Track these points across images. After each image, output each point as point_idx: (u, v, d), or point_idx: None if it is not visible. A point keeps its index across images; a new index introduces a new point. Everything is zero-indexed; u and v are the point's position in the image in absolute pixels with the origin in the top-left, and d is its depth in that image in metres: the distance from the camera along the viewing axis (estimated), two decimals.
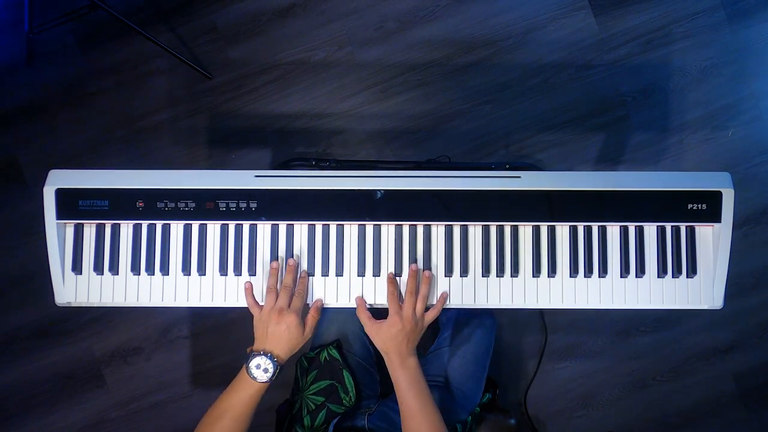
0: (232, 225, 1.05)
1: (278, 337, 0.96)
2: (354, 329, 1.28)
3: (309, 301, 1.05)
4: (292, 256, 1.04)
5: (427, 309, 1.03)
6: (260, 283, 1.05)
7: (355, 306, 1.04)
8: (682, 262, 1.05)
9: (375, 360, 1.27)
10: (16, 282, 1.77)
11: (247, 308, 1.04)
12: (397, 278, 1.05)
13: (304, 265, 1.05)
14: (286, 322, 0.96)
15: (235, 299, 1.05)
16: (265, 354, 0.95)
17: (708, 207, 1.03)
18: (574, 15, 1.80)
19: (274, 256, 1.05)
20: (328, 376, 1.16)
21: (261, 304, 1.02)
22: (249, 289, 1.02)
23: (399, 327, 0.97)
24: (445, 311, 1.37)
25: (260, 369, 0.94)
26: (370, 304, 1.05)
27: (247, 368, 0.94)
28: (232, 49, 1.80)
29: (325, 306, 1.05)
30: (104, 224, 1.04)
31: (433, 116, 1.80)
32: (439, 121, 1.80)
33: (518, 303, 1.05)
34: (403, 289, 1.03)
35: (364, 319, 1.01)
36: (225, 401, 0.95)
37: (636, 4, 1.80)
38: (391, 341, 0.98)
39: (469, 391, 1.20)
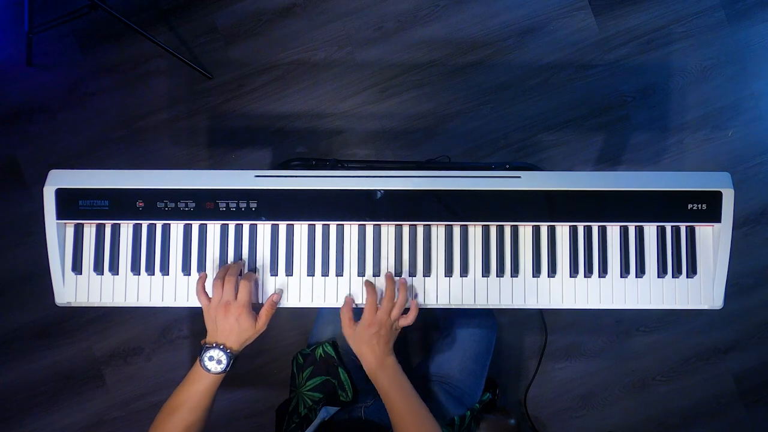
0: (232, 225, 1.05)
1: (228, 330, 0.96)
2: None
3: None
4: (292, 256, 1.04)
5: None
6: (259, 284, 1.05)
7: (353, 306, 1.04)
8: (682, 262, 1.05)
9: None
10: (16, 282, 1.77)
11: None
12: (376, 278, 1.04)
13: (305, 265, 1.05)
14: (234, 315, 0.95)
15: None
16: (218, 346, 0.95)
17: (708, 207, 1.03)
18: (574, 15, 1.80)
19: (274, 256, 1.05)
20: (324, 372, 1.17)
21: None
22: (202, 279, 1.00)
23: (374, 330, 0.98)
24: (446, 311, 1.37)
25: (213, 361, 0.93)
26: (356, 305, 1.04)
27: (201, 360, 0.94)
28: (232, 49, 1.80)
29: (324, 306, 1.05)
30: (104, 224, 1.04)
31: (433, 116, 1.80)
32: (439, 121, 1.80)
33: (518, 303, 1.05)
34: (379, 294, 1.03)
35: (346, 319, 1.01)
36: (181, 394, 0.94)
37: (636, 4, 1.80)
38: (366, 344, 0.98)
39: (469, 388, 1.20)
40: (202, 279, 1.00)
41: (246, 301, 0.96)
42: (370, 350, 0.98)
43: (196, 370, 0.95)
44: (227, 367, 0.94)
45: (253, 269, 1.05)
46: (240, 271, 1.01)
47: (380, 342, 0.98)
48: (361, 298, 1.05)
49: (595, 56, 1.80)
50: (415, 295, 1.05)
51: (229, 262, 1.04)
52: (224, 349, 0.94)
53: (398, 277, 1.04)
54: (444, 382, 1.19)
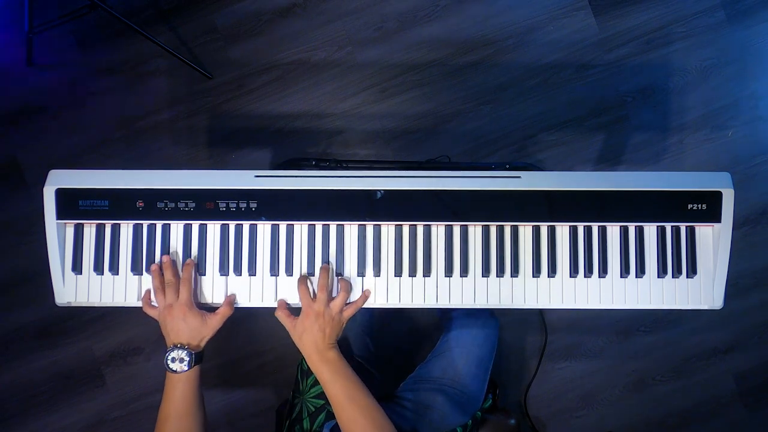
0: (232, 225, 1.05)
1: (180, 330, 0.98)
2: (355, 329, 1.28)
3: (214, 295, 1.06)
4: (292, 256, 1.04)
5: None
6: (259, 285, 1.05)
7: (364, 305, 1.04)
8: (682, 262, 1.05)
9: (376, 361, 1.27)
10: (16, 282, 1.77)
11: (248, 308, 1.04)
12: (311, 277, 1.05)
13: (305, 265, 1.05)
14: (179, 316, 0.98)
15: (235, 300, 1.05)
16: (176, 347, 0.96)
17: (708, 207, 1.03)
18: (574, 15, 1.80)
19: (274, 256, 1.05)
20: None
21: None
22: (145, 299, 1.03)
23: (311, 319, 0.97)
24: (447, 312, 1.37)
25: (176, 361, 0.95)
26: (291, 305, 1.05)
27: (166, 365, 0.95)
28: (232, 49, 1.80)
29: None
30: (104, 224, 1.04)
31: (433, 116, 1.80)
32: (439, 121, 1.80)
33: (518, 303, 1.05)
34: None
35: (283, 317, 1.01)
36: (165, 406, 0.96)
37: (636, 4, 1.80)
38: (306, 335, 0.98)
39: (472, 393, 1.20)
40: (146, 299, 1.03)
41: (187, 299, 0.99)
42: (311, 343, 0.98)
43: (168, 377, 0.96)
44: (191, 362, 0.95)
45: (254, 270, 1.05)
46: (176, 271, 1.02)
47: (319, 332, 0.97)
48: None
49: (595, 56, 1.80)
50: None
51: (230, 262, 1.04)
52: (183, 348, 0.96)
53: (339, 276, 1.04)
54: (448, 386, 1.19)
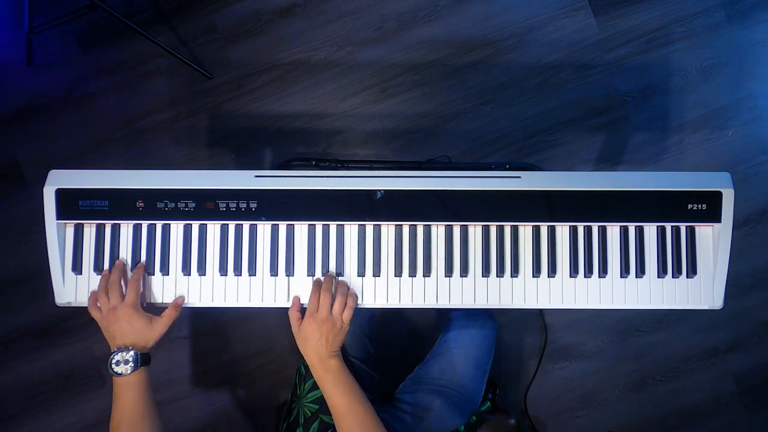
0: (232, 225, 1.05)
1: (123, 332, 0.96)
2: (354, 331, 1.28)
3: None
4: (293, 256, 1.04)
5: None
6: (259, 285, 1.05)
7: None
8: (682, 262, 1.05)
9: (375, 362, 1.26)
10: (16, 282, 1.77)
11: (247, 308, 1.04)
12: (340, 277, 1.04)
13: (304, 265, 1.05)
14: (124, 317, 0.96)
15: (235, 299, 1.05)
16: (120, 349, 0.94)
17: (708, 207, 1.03)
18: (574, 15, 1.80)
19: (274, 256, 1.05)
20: None
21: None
22: (92, 299, 1.01)
23: (314, 326, 0.98)
24: (446, 313, 1.37)
25: (121, 364, 0.93)
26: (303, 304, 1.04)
27: (111, 370, 0.93)
28: (232, 49, 1.80)
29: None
30: (104, 224, 1.04)
31: (433, 116, 1.80)
32: (439, 121, 1.80)
33: (518, 303, 1.05)
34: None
35: (293, 320, 1.01)
36: (115, 415, 0.93)
37: (636, 4, 1.80)
38: (308, 342, 0.98)
39: (470, 395, 1.19)
40: (93, 297, 1.01)
41: (133, 301, 0.97)
42: (314, 350, 0.98)
43: (115, 384, 0.94)
44: (137, 363, 0.93)
45: (254, 270, 1.05)
46: (124, 271, 1.02)
47: (321, 340, 0.97)
48: (366, 298, 1.04)
49: (595, 56, 1.80)
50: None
51: (230, 262, 1.05)
52: (126, 349, 0.94)
53: (340, 277, 1.04)
54: (446, 388, 1.19)
